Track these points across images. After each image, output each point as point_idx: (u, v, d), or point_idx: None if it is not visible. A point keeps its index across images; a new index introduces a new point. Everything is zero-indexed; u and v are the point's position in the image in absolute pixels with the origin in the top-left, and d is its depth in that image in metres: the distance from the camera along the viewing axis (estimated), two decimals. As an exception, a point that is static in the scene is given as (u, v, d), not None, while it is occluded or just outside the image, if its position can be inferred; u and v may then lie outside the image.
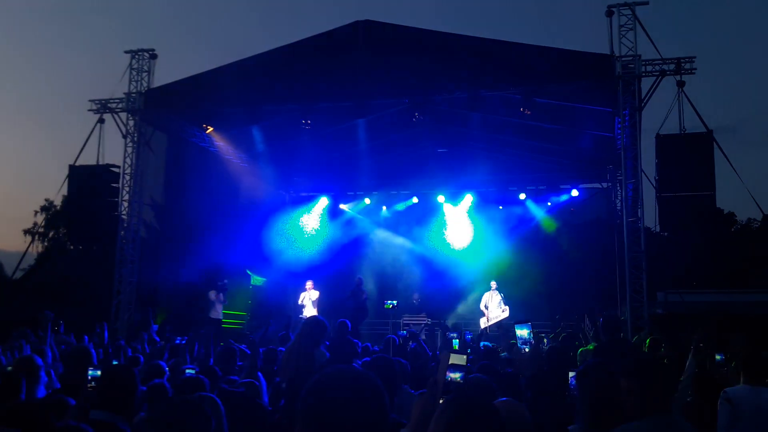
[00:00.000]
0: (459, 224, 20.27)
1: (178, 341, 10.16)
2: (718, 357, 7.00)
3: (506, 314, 15.43)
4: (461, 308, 18.09)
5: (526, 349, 5.04)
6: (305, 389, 1.77)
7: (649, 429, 3.02)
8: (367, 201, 21.06)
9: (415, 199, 20.78)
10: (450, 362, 3.37)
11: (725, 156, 13.58)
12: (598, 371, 3.49)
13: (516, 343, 5.18)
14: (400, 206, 21.02)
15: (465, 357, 3.51)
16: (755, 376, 4.99)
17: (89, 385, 4.36)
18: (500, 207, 20.02)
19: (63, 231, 32.22)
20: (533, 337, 5.15)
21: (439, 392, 3.01)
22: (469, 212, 20.26)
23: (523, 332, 5.12)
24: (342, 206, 21.43)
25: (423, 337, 14.58)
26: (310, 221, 21.11)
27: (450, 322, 17.47)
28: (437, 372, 3.08)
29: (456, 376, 3.41)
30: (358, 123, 16.05)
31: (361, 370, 1.85)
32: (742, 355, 5.13)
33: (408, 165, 19.41)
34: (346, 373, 1.79)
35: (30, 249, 38.23)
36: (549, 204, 19.59)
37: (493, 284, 16.19)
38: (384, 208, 21.14)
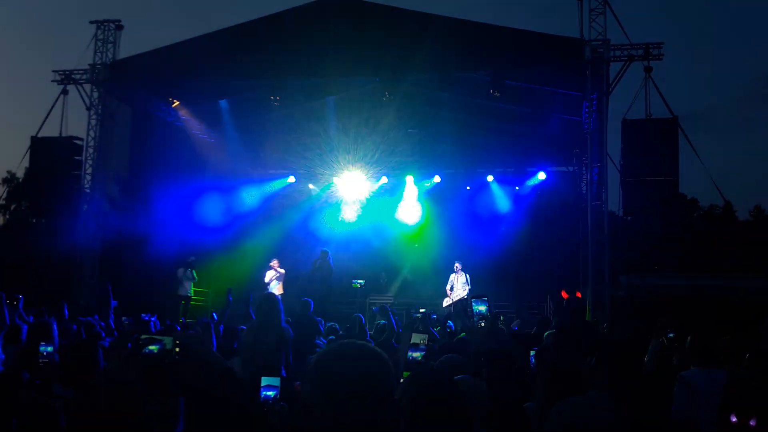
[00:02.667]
0: (426, 205, 20.31)
1: (145, 318, 10.04)
2: (670, 335, 7.20)
3: (465, 293, 15.48)
4: (427, 288, 18.15)
5: (482, 324, 5.05)
6: (313, 364, 1.78)
7: (586, 403, 3.11)
8: (336, 180, 20.97)
9: (384, 179, 20.74)
10: (411, 342, 3.39)
11: (689, 142, 13.81)
12: (557, 350, 3.56)
13: (472, 318, 5.19)
14: (369, 186, 20.95)
15: (426, 336, 3.52)
16: (705, 358, 5.13)
17: (42, 360, 4.30)
18: (468, 188, 20.09)
19: (25, 204, 31.61)
20: (489, 312, 5.17)
21: (401, 371, 3.02)
22: (437, 193, 20.31)
23: (480, 307, 5.13)
24: (310, 185, 21.31)
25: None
26: (278, 199, 20.97)
27: (416, 301, 17.52)
28: (399, 351, 3.10)
29: (417, 355, 3.43)
30: (328, 101, 15.93)
31: (369, 344, 1.85)
32: (693, 340, 5.24)
33: (377, 144, 19.34)
34: (354, 348, 1.80)
35: (-10, 221, 37.46)
36: (516, 187, 19.72)
37: (457, 265, 16.18)
38: (352, 187, 21.04)
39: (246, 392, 3.39)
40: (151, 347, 3.37)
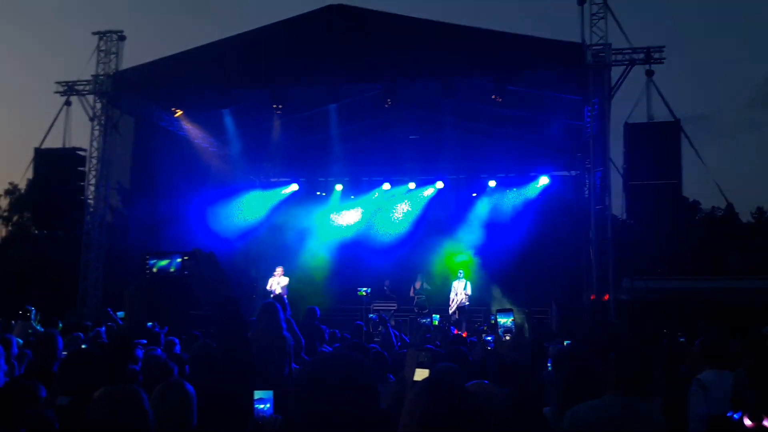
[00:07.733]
0: (429, 211, 20.31)
1: (149, 327, 10.01)
2: (681, 339, 7.24)
3: (463, 297, 15.51)
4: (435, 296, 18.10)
5: (507, 337, 5.19)
6: (299, 374, 1.77)
7: (599, 407, 3.13)
8: (339, 187, 21.00)
9: (386, 186, 20.77)
10: (414, 378, 3.32)
11: (692, 145, 13.81)
12: (573, 356, 3.58)
13: (498, 331, 5.37)
14: (372, 192, 20.99)
15: (428, 371, 3.39)
16: (717, 361, 5.17)
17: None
18: (474, 194, 20.07)
19: (27, 215, 31.59)
20: (515, 326, 5.31)
21: (409, 388, 3.01)
22: (439, 199, 20.32)
23: (505, 321, 5.28)
24: (318, 192, 21.35)
25: (392, 323, 14.64)
26: (281, 207, 20.97)
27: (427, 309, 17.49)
28: (405, 369, 3.08)
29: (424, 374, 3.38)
30: (330, 108, 15.96)
31: (353, 354, 1.85)
32: (702, 343, 5.28)
33: (380, 151, 19.38)
34: (338, 358, 1.80)
35: (-7, 233, 37.39)
36: (519, 191, 19.72)
37: (460, 273, 16.28)
38: (354, 194, 21.06)
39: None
40: (162, 263, 3.42)
